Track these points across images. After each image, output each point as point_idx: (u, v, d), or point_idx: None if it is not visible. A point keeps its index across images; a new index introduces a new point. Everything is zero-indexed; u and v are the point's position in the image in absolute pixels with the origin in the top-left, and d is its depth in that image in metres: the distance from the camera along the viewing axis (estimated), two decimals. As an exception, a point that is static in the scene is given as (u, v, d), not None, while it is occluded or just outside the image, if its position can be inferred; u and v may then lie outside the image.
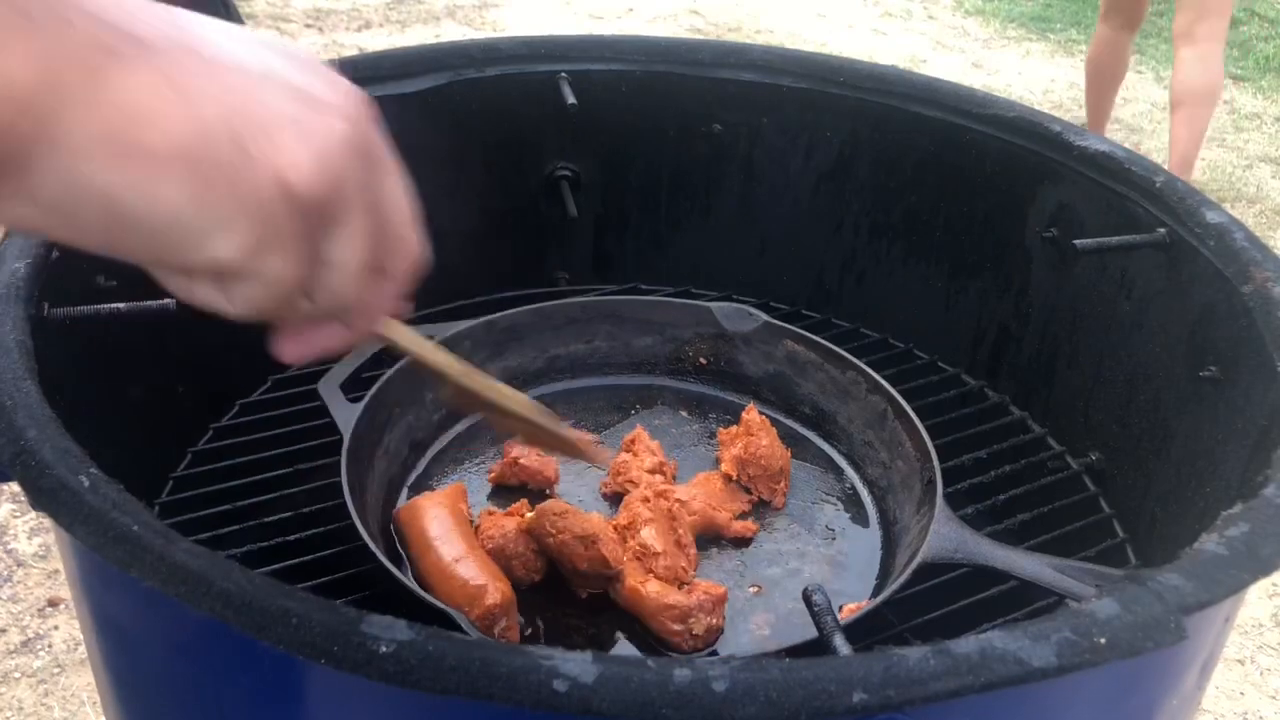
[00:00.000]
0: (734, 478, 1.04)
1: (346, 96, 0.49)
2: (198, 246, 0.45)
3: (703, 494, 1.00)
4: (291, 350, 0.54)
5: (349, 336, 0.55)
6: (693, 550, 0.96)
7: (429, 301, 1.31)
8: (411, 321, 1.26)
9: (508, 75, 1.29)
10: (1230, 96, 4.70)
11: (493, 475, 1.05)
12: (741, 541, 1.01)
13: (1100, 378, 1.17)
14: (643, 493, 0.98)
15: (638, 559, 0.92)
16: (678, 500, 0.98)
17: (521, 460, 1.03)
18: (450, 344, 1.11)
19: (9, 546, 2.13)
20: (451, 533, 0.90)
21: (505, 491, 1.04)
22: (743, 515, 1.03)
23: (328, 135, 0.46)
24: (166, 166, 0.43)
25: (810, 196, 1.36)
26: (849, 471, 1.10)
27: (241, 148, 0.44)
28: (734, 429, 1.08)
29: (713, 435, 1.12)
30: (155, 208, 0.43)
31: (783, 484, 1.05)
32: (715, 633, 0.88)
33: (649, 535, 0.92)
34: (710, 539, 1.00)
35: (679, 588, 0.90)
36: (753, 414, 1.07)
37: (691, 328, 1.20)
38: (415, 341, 0.69)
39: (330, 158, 0.46)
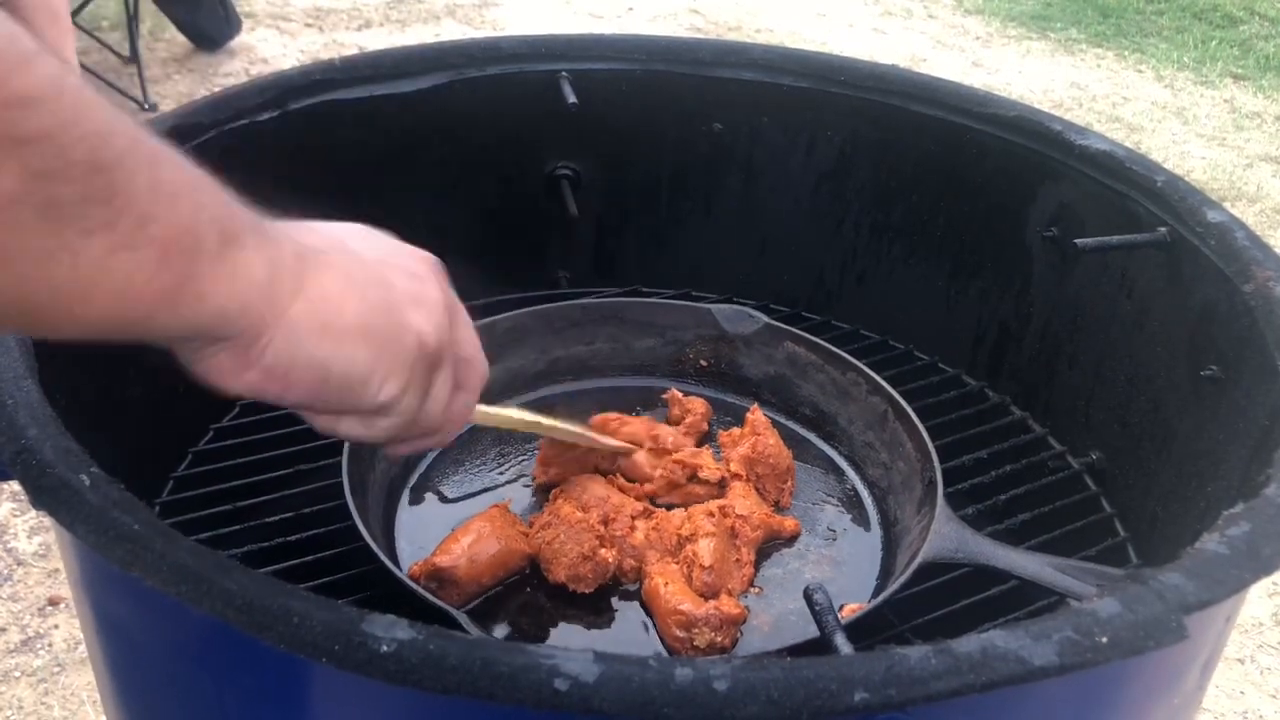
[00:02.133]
0: (743, 478, 1.04)
1: (430, 267, 0.67)
2: (374, 392, 0.62)
3: (753, 503, 1.00)
4: (397, 454, 0.81)
5: (442, 440, 0.73)
6: (750, 569, 0.96)
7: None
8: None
9: (508, 74, 1.29)
10: (1231, 95, 4.70)
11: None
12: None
13: (1101, 377, 1.17)
14: (708, 506, 0.98)
15: (685, 564, 0.93)
16: (739, 516, 0.97)
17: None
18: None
19: (9, 545, 2.13)
20: None
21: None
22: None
23: (434, 305, 0.64)
24: (355, 338, 0.60)
25: (810, 196, 1.36)
26: (850, 473, 1.10)
27: (394, 320, 0.62)
28: (735, 430, 1.07)
29: (713, 438, 1.12)
30: (351, 368, 0.60)
31: (789, 483, 1.05)
32: (717, 651, 0.87)
33: (705, 547, 0.92)
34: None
35: (705, 598, 0.89)
36: (757, 414, 1.07)
37: (692, 329, 1.19)
38: (500, 417, 0.93)
39: (438, 320, 0.64)
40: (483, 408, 0.87)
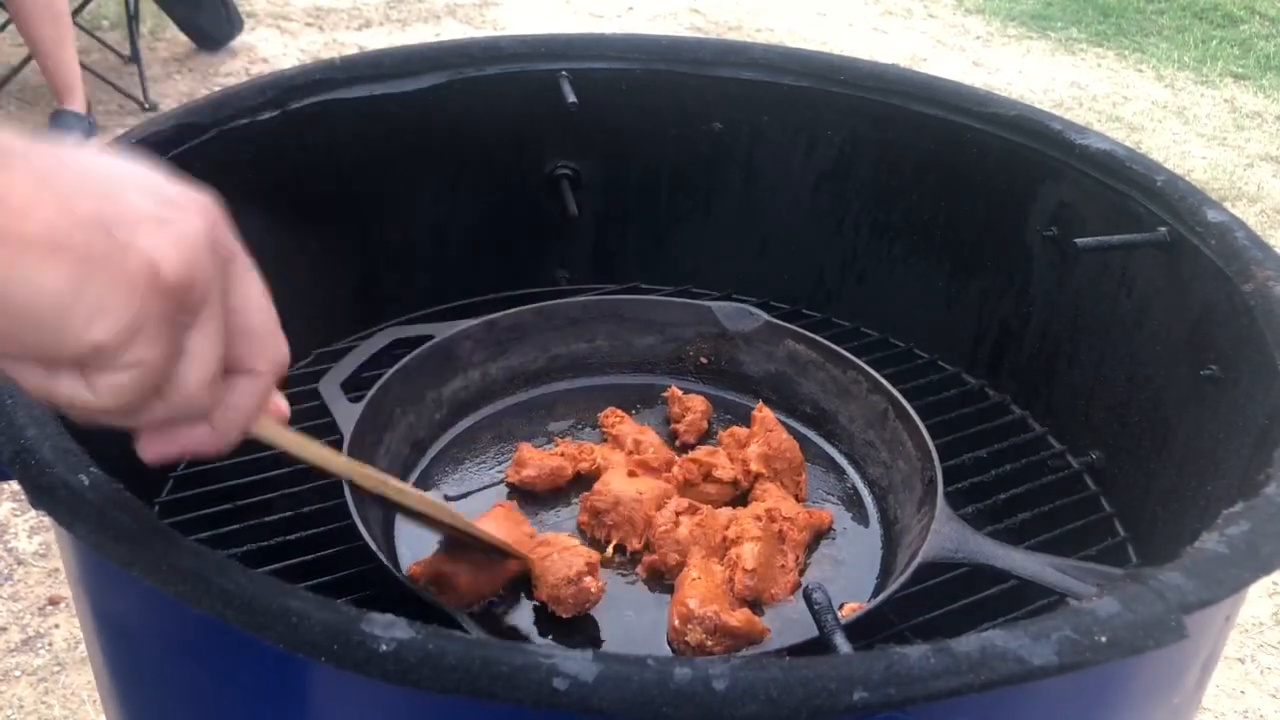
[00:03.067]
0: (768, 476, 1.03)
1: (198, 200, 0.52)
2: (78, 330, 0.47)
3: (792, 503, 1.00)
4: (154, 450, 0.55)
5: (217, 438, 0.56)
6: (794, 575, 0.95)
7: (430, 301, 1.31)
8: (414, 320, 1.25)
9: (508, 74, 1.28)
10: (1231, 95, 4.70)
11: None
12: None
13: (1101, 376, 1.17)
14: (754, 510, 0.97)
15: (729, 566, 0.92)
16: (785, 518, 0.96)
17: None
18: (452, 343, 1.11)
19: (9, 545, 2.13)
20: None
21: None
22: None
23: (186, 230, 0.50)
24: (47, 254, 0.46)
25: (811, 195, 1.36)
26: (850, 471, 1.10)
27: (114, 237, 0.47)
28: (741, 430, 1.07)
29: (713, 435, 1.12)
30: (38, 293, 0.46)
31: (803, 476, 1.05)
32: (704, 652, 0.86)
33: (749, 551, 0.92)
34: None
35: (732, 604, 0.89)
36: (765, 412, 1.07)
37: (693, 327, 1.19)
38: (297, 442, 0.68)
39: (190, 249, 0.49)
40: (286, 433, 0.66)
